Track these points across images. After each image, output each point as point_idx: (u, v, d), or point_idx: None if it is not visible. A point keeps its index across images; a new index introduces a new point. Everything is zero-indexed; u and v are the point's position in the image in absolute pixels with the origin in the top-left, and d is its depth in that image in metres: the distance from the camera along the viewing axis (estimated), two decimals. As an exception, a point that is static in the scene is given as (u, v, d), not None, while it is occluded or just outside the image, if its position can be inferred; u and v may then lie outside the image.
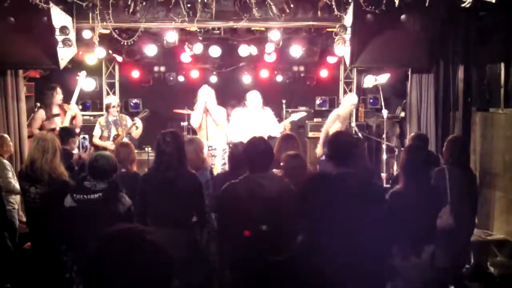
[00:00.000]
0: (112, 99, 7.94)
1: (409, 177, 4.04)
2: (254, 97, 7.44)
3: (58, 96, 7.42)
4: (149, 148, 8.26)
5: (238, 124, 7.36)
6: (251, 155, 3.70)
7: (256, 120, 7.34)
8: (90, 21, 7.03)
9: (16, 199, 5.88)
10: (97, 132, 7.61)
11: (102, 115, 9.52)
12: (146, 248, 1.50)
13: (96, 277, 1.48)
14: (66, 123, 7.17)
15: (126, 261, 1.46)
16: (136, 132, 7.64)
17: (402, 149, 6.29)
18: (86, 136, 5.61)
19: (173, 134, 4.26)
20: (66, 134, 5.65)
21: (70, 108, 7.36)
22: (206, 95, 7.27)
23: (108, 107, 7.74)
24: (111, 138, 7.51)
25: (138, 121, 7.58)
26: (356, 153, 3.66)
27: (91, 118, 9.51)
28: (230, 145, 8.13)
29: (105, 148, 7.01)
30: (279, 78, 10.94)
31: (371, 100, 10.13)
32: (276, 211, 3.47)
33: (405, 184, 4.04)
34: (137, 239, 1.52)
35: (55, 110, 7.37)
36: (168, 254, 1.55)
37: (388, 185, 6.30)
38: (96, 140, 7.53)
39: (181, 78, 10.83)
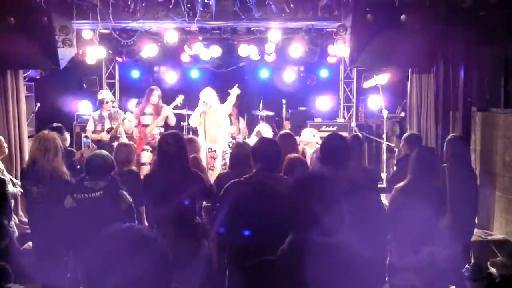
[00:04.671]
0: (106, 94, 8.03)
1: (418, 176, 4.03)
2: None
3: (153, 97, 8.03)
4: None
5: None
6: (261, 154, 3.68)
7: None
8: (90, 21, 7.04)
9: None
10: (90, 126, 7.79)
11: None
12: (146, 246, 1.51)
13: (97, 277, 1.48)
14: (156, 123, 7.99)
15: (127, 260, 1.46)
16: (127, 127, 7.76)
17: (401, 147, 6.28)
18: (88, 135, 5.63)
19: (175, 135, 4.26)
20: (57, 132, 5.65)
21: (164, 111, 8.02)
22: (205, 96, 7.30)
23: (101, 102, 7.90)
24: (105, 131, 7.69)
25: (129, 115, 7.82)
26: (346, 156, 3.57)
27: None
28: (231, 145, 8.16)
29: (100, 140, 7.31)
30: (279, 78, 10.93)
31: (371, 100, 10.11)
32: (280, 212, 3.46)
33: (412, 181, 4.04)
34: (137, 238, 1.53)
35: (148, 109, 8.02)
36: (167, 251, 1.56)
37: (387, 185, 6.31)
38: (88, 134, 7.67)
39: (181, 78, 10.82)
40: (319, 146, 7.21)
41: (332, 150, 3.49)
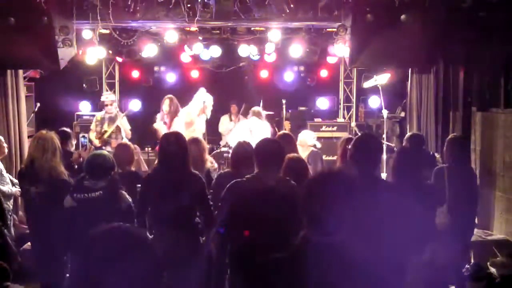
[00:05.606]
0: (106, 97, 7.98)
1: (399, 178, 4.03)
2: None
3: (164, 106, 7.74)
4: (149, 148, 8.27)
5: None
6: (263, 155, 3.66)
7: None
8: (90, 21, 7.03)
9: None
10: (92, 126, 7.79)
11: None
12: (134, 244, 1.52)
13: (88, 277, 1.49)
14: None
15: (115, 259, 1.47)
16: (127, 131, 7.75)
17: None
18: (86, 135, 5.63)
19: (176, 135, 4.26)
20: (64, 135, 5.66)
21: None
22: (205, 97, 7.31)
23: (102, 104, 7.91)
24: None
25: (121, 120, 7.68)
26: (380, 156, 3.69)
27: (91, 118, 9.51)
28: (230, 145, 8.15)
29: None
30: (279, 78, 10.93)
31: (371, 100, 10.12)
32: (282, 213, 3.45)
33: (395, 182, 4.04)
34: (125, 236, 1.54)
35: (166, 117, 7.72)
36: (156, 248, 1.57)
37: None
38: (90, 134, 7.71)
39: (181, 78, 10.83)
40: (313, 148, 7.22)
41: (369, 151, 3.50)
